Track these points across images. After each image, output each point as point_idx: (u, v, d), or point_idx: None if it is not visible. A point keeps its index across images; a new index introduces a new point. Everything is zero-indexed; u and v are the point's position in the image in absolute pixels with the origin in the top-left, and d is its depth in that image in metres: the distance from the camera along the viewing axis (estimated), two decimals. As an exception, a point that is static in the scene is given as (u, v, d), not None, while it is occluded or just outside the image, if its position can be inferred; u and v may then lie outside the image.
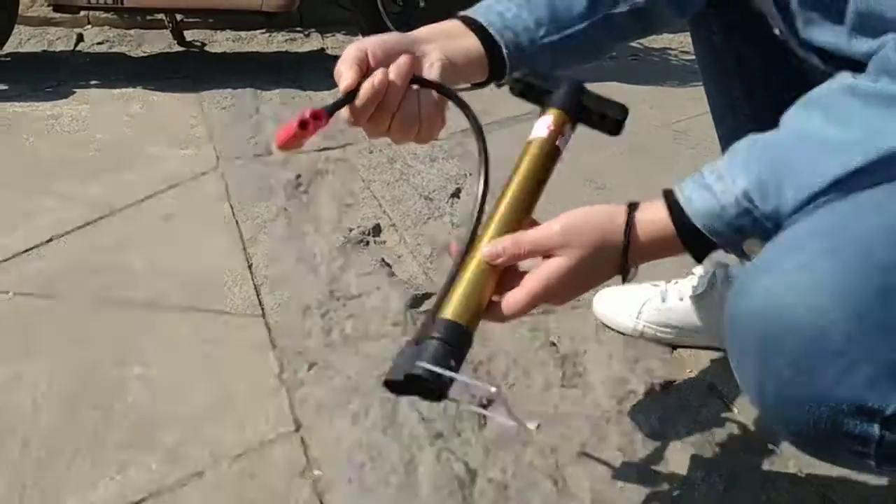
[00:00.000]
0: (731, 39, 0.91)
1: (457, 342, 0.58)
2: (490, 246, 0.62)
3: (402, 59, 0.64)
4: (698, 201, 0.59)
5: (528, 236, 0.63)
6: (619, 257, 0.62)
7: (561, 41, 0.74)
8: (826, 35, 0.67)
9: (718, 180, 0.59)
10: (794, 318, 0.51)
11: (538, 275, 0.62)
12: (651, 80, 2.68)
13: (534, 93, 0.69)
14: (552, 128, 0.67)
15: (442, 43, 0.69)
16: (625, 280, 0.64)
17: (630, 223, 0.62)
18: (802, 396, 0.52)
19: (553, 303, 0.64)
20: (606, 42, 0.79)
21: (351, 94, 0.63)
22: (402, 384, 0.57)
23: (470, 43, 0.70)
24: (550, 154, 0.67)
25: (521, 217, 0.65)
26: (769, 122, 0.61)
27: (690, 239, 0.60)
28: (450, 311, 0.59)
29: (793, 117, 0.60)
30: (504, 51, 0.71)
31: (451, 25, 0.71)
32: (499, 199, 0.66)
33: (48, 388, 1.00)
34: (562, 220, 0.63)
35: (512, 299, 0.62)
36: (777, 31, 0.75)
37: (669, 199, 0.61)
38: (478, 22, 0.71)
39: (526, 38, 0.72)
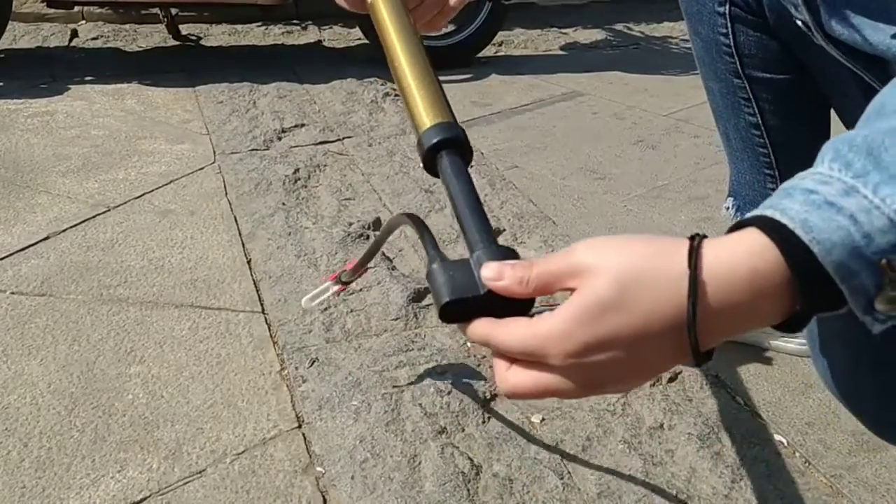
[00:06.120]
0: (737, 38, 0.88)
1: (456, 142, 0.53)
2: (489, 269, 0.44)
3: None
4: (824, 228, 0.36)
5: (538, 268, 0.43)
6: (678, 329, 0.38)
7: None
8: (864, 31, 0.64)
9: (847, 195, 0.37)
10: None
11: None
12: (652, 69, 2.66)
13: None
14: None
15: None
16: (703, 362, 0.40)
17: (696, 261, 0.38)
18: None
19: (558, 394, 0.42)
20: None
21: None
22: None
23: None
24: (403, 2, 0.65)
25: (425, 57, 0.60)
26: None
27: (808, 289, 0.38)
28: (428, 118, 0.55)
29: None
30: None
31: None
32: (392, 54, 0.62)
33: (47, 388, 0.99)
34: (581, 251, 0.41)
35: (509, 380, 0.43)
36: (799, 23, 0.73)
37: (765, 227, 0.38)
38: None
39: None
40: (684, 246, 0.39)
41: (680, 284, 0.38)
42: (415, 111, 0.56)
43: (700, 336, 0.38)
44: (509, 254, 0.46)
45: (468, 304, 0.44)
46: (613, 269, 0.39)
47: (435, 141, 0.53)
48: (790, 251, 0.37)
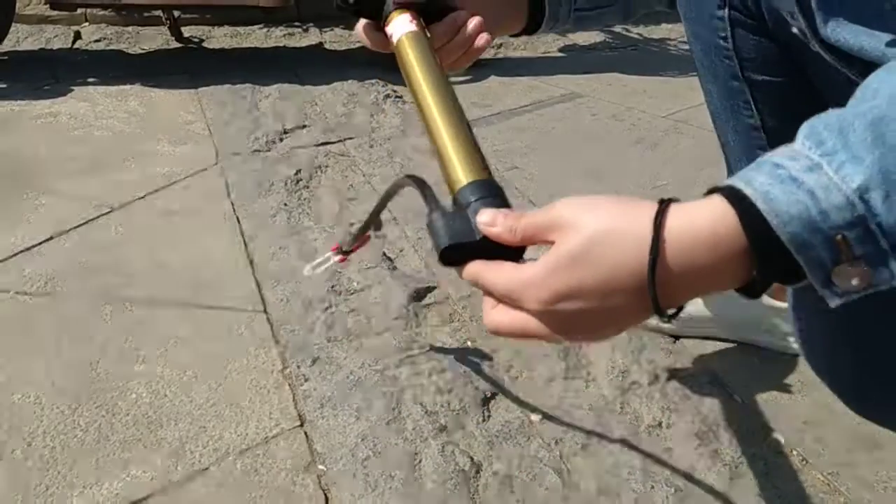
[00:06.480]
0: (737, 41, 0.89)
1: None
2: (486, 216, 0.49)
3: None
4: (783, 201, 0.39)
5: (525, 220, 0.48)
6: (642, 285, 0.41)
7: (593, 16, 0.82)
8: (859, 38, 0.63)
9: (810, 171, 0.39)
10: None
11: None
12: (650, 70, 2.67)
13: (367, 6, 0.70)
14: (414, 21, 0.67)
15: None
16: (669, 319, 0.43)
17: (660, 222, 0.41)
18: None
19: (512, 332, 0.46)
20: (634, 13, 0.86)
21: None
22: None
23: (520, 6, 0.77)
24: (429, 43, 0.66)
25: (455, 103, 0.60)
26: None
27: (763, 257, 0.41)
28: (465, 175, 0.53)
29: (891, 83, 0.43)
30: (546, 15, 0.78)
31: None
32: (420, 99, 0.62)
33: (51, 388, 1.00)
34: (561, 208, 0.46)
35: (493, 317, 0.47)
36: (795, 31, 0.73)
37: (730, 195, 0.41)
38: None
39: (565, 10, 0.79)
40: (655, 208, 0.42)
41: (644, 243, 0.41)
42: (449, 166, 0.55)
43: (661, 294, 0.41)
44: (504, 205, 0.50)
45: (465, 249, 0.48)
46: (587, 225, 0.42)
47: (472, 200, 0.52)
48: (749, 221, 0.40)
